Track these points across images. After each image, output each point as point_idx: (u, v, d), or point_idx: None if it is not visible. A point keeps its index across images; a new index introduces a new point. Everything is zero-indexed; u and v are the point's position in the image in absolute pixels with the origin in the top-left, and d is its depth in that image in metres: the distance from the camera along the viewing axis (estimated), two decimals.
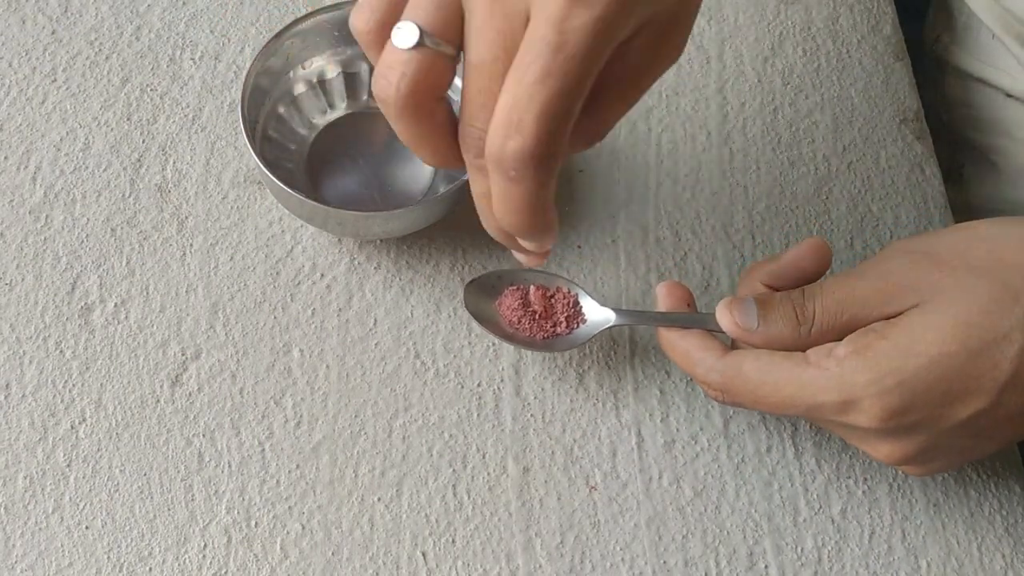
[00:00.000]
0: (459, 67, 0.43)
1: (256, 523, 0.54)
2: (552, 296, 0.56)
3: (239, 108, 0.57)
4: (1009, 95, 0.72)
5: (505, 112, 0.39)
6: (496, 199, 0.42)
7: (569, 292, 0.56)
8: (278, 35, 0.59)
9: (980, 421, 0.47)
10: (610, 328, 0.55)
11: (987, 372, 0.46)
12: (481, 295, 0.56)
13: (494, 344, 0.58)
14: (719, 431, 0.57)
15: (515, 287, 0.56)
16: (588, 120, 0.43)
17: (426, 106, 0.42)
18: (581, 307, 0.56)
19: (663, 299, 0.54)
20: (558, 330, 0.55)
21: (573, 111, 0.40)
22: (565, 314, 0.56)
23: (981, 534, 0.56)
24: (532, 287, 0.56)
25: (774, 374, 0.49)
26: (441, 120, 0.43)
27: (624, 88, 0.44)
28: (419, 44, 0.41)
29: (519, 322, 0.55)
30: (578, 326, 0.56)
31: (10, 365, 0.56)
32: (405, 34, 0.41)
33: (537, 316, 0.55)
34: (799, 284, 0.51)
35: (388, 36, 0.42)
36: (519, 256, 0.48)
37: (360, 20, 0.44)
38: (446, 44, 0.42)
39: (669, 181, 0.64)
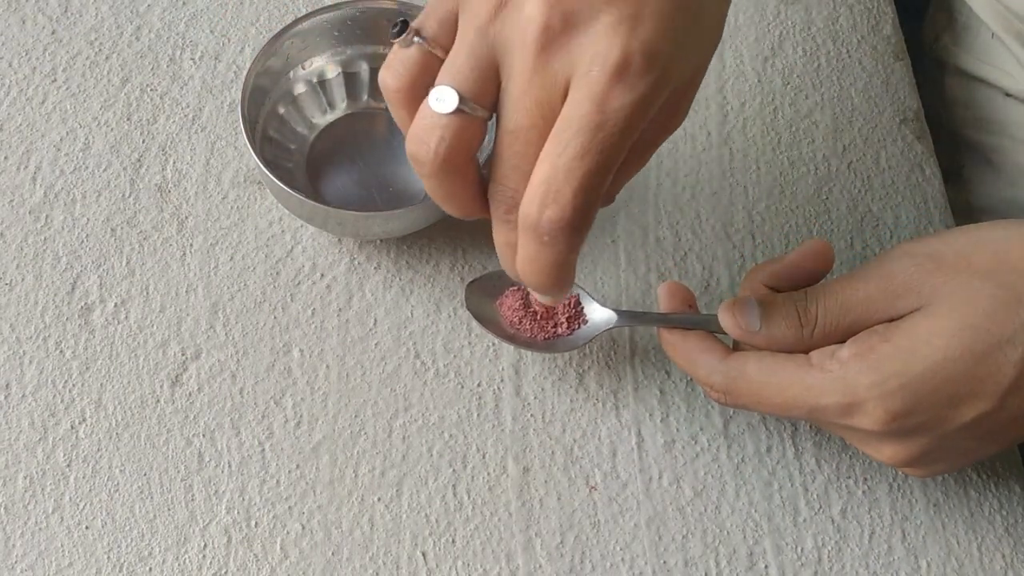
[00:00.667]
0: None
1: (256, 523, 0.54)
2: None
3: (239, 108, 0.57)
4: (1009, 95, 0.72)
5: (544, 182, 0.41)
6: (524, 259, 0.43)
7: (571, 293, 0.56)
8: (278, 35, 0.59)
9: (983, 424, 0.47)
10: (611, 329, 0.55)
11: (991, 375, 0.46)
12: (482, 295, 0.56)
13: (494, 344, 0.58)
14: (719, 431, 0.57)
15: (516, 288, 0.56)
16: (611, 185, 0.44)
17: (460, 167, 0.44)
18: (582, 308, 0.56)
19: (664, 300, 0.54)
20: (559, 331, 0.55)
21: (606, 184, 0.42)
22: (566, 315, 0.56)
23: (981, 534, 0.56)
24: None
25: (777, 376, 0.49)
26: (472, 178, 0.45)
27: (634, 156, 0.45)
28: (457, 109, 0.42)
29: (520, 323, 0.55)
30: (579, 327, 0.56)
31: (10, 365, 0.56)
32: (445, 99, 0.42)
33: (538, 317, 0.55)
34: (801, 286, 0.51)
35: (417, 96, 0.44)
36: (536, 295, 0.49)
37: (391, 78, 0.45)
38: (482, 109, 0.43)
39: (669, 181, 0.64)
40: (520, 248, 0.43)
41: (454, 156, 0.43)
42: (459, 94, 0.42)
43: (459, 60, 0.43)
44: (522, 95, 0.42)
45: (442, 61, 0.44)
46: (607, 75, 0.40)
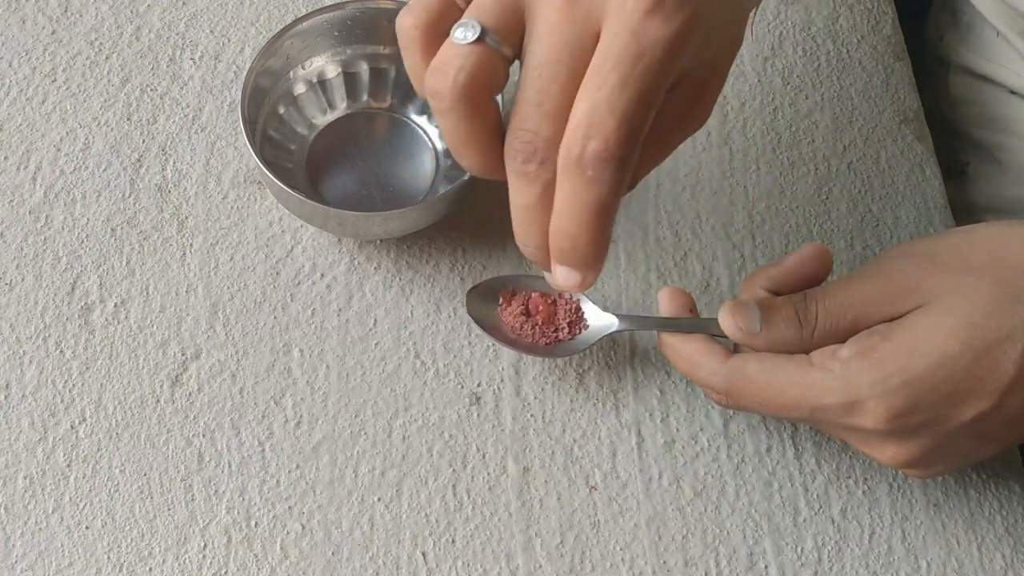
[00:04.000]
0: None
1: (256, 523, 0.54)
2: (554, 302, 0.56)
3: (239, 108, 0.57)
4: (1013, 92, 0.72)
5: (586, 115, 0.40)
6: (563, 206, 0.41)
7: (571, 298, 0.56)
8: (278, 35, 0.59)
9: (983, 423, 0.47)
10: (611, 333, 0.55)
11: (990, 373, 0.46)
12: (483, 301, 0.56)
13: (494, 344, 0.58)
14: (719, 431, 0.57)
15: (517, 294, 0.56)
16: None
17: (479, 103, 0.42)
18: (583, 313, 0.56)
19: (664, 305, 0.54)
20: (560, 336, 0.55)
21: (648, 120, 0.41)
22: (567, 320, 0.56)
23: (981, 534, 0.56)
24: (534, 294, 0.56)
25: (778, 376, 0.49)
26: (491, 122, 0.43)
27: (655, 145, 0.45)
28: (480, 39, 0.41)
29: (521, 328, 0.55)
30: (580, 332, 0.56)
31: (10, 365, 0.56)
32: (467, 29, 0.42)
33: (539, 323, 0.55)
34: (801, 289, 0.51)
35: (432, 38, 0.43)
36: (550, 279, 0.45)
37: (409, 17, 0.44)
38: (506, 46, 0.42)
39: (669, 181, 0.64)
40: (559, 194, 0.41)
41: (474, 88, 0.42)
42: (482, 26, 0.42)
43: None
44: (550, 31, 0.41)
45: (462, 11, 0.43)
46: (643, 7, 0.40)
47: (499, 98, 0.45)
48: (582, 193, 0.41)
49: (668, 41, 0.40)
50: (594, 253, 0.42)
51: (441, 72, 0.42)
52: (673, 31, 0.40)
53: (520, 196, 0.43)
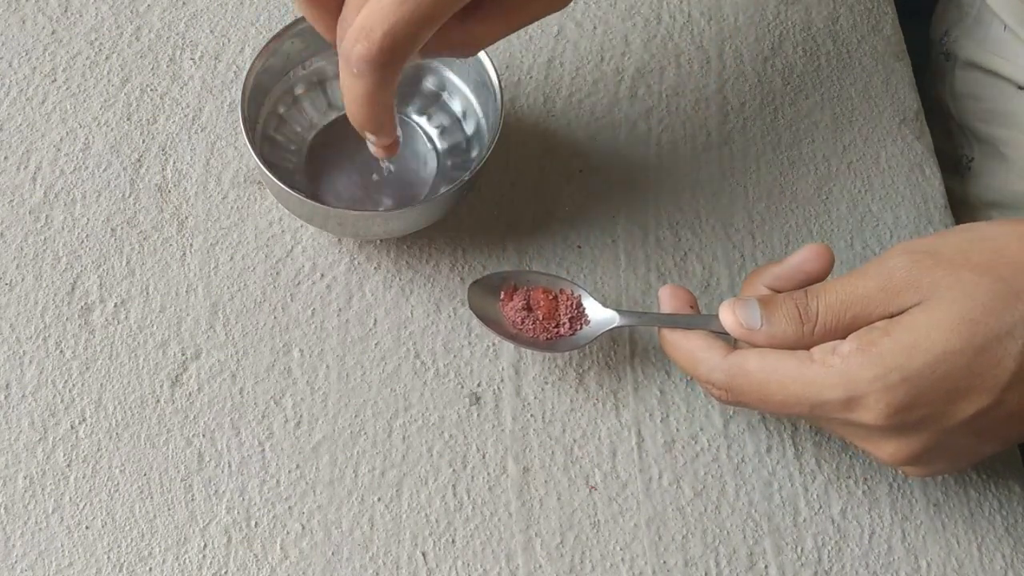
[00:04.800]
0: None
1: (256, 523, 0.54)
2: (555, 297, 0.56)
3: (239, 108, 0.57)
4: (1020, 87, 0.72)
5: (362, 19, 0.46)
6: (344, 90, 0.48)
7: (572, 294, 0.56)
8: (278, 35, 0.59)
9: (983, 419, 0.47)
10: (612, 329, 0.55)
11: (990, 369, 0.46)
12: (485, 295, 0.56)
13: (494, 344, 0.58)
14: (719, 431, 0.57)
15: (519, 288, 0.56)
16: (462, 32, 0.49)
17: None
18: (584, 308, 0.56)
19: (665, 303, 0.54)
20: (561, 331, 0.55)
21: (420, 35, 0.46)
22: (568, 315, 0.56)
23: (981, 534, 0.56)
24: (535, 289, 0.56)
25: (779, 372, 0.49)
26: (331, 5, 0.49)
27: (505, 11, 0.49)
28: None
29: (522, 323, 0.55)
30: (581, 327, 0.56)
31: (10, 365, 0.56)
32: None
33: (540, 317, 0.55)
34: (801, 288, 0.51)
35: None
36: (371, 146, 0.52)
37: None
38: None
39: (669, 181, 0.64)
40: (341, 81, 0.48)
41: None
42: None
43: None
44: None
45: None
46: None
47: None
48: (353, 84, 0.47)
49: None
50: (375, 127, 0.49)
51: None
52: None
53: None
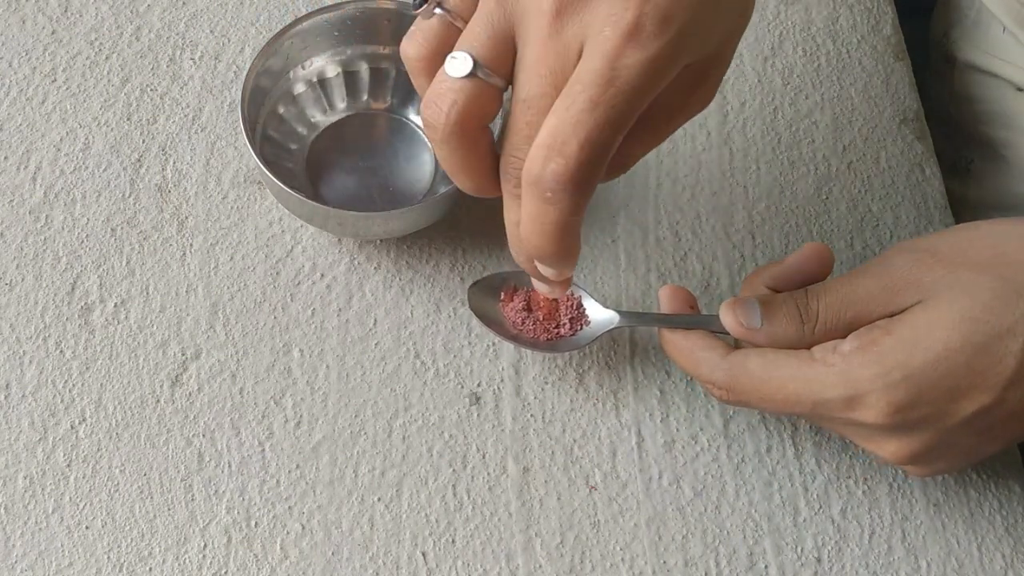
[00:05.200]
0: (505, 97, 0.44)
1: (256, 523, 0.54)
2: (556, 298, 0.56)
3: (239, 108, 0.57)
4: (1020, 89, 0.72)
5: (550, 135, 0.41)
6: (527, 221, 0.43)
7: (573, 294, 0.56)
8: (278, 35, 0.59)
9: (984, 418, 0.47)
10: (612, 330, 0.55)
11: (991, 368, 0.46)
12: (485, 296, 0.56)
13: (494, 344, 0.58)
14: (719, 431, 0.57)
15: (519, 289, 0.56)
16: (616, 152, 0.44)
17: (472, 134, 0.44)
18: (584, 309, 0.56)
19: (665, 303, 0.54)
20: (562, 332, 0.55)
21: (614, 143, 0.42)
22: (569, 316, 0.56)
23: (981, 534, 0.56)
24: (536, 289, 0.56)
25: (780, 371, 0.49)
26: (484, 150, 0.44)
27: (655, 125, 0.46)
28: (472, 74, 0.43)
29: (523, 324, 0.55)
30: (582, 328, 0.56)
31: (10, 365, 0.56)
32: (459, 64, 0.43)
33: (541, 318, 0.55)
34: (802, 287, 0.51)
35: (437, 65, 0.44)
36: (539, 286, 0.49)
37: (412, 47, 0.45)
38: (497, 76, 0.43)
39: (669, 181, 0.64)
40: (524, 209, 0.43)
41: (466, 121, 0.43)
42: (474, 59, 0.42)
43: (477, 28, 0.43)
44: (536, 62, 0.42)
45: (460, 31, 0.44)
46: (619, 34, 0.40)
47: (496, 121, 0.46)
48: (542, 212, 0.42)
49: (643, 66, 0.41)
50: (561, 259, 0.44)
51: (435, 106, 0.43)
52: (649, 56, 0.41)
53: (512, 214, 0.45)
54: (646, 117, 0.43)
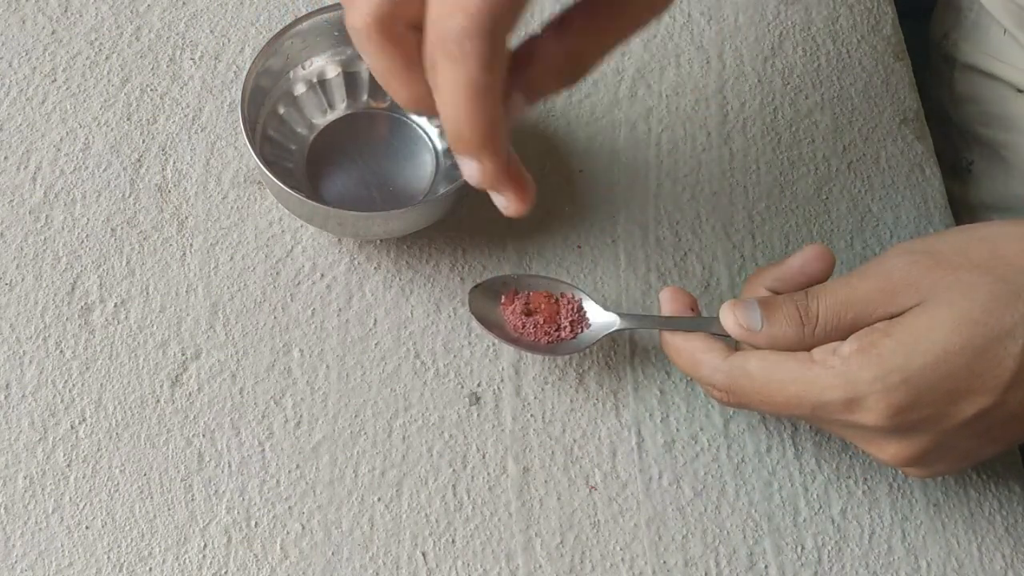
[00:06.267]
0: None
1: (256, 523, 0.54)
2: (556, 301, 0.56)
3: (239, 108, 0.57)
4: (1019, 90, 0.72)
5: None
6: (443, 93, 0.41)
7: (573, 297, 0.56)
8: (278, 35, 0.59)
9: (984, 420, 0.47)
10: (613, 332, 0.55)
11: (991, 370, 0.46)
12: (486, 299, 0.56)
13: (494, 344, 0.58)
14: (719, 431, 0.57)
15: (519, 292, 0.56)
16: (561, 51, 0.43)
17: (394, 33, 0.42)
18: (585, 312, 0.56)
19: (666, 305, 0.54)
20: (562, 335, 0.55)
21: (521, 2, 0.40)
22: (569, 319, 0.56)
23: (981, 534, 0.56)
24: (536, 292, 0.56)
25: (779, 373, 0.49)
26: (410, 52, 0.42)
27: (603, 26, 0.43)
28: None
29: (523, 327, 0.55)
30: (582, 331, 0.56)
31: (10, 365, 0.56)
32: None
33: (541, 321, 0.55)
34: (802, 289, 0.51)
35: (391, 29, 0.42)
36: (498, 201, 0.45)
37: (356, 16, 0.43)
38: None
39: (669, 181, 0.64)
40: (439, 81, 0.41)
41: (385, 20, 0.41)
42: None
43: None
44: None
45: None
46: None
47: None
48: (453, 75, 0.40)
49: None
50: (479, 137, 0.41)
51: (354, 6, 0.42)
52: None
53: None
54: (591, 15, 0.42)
